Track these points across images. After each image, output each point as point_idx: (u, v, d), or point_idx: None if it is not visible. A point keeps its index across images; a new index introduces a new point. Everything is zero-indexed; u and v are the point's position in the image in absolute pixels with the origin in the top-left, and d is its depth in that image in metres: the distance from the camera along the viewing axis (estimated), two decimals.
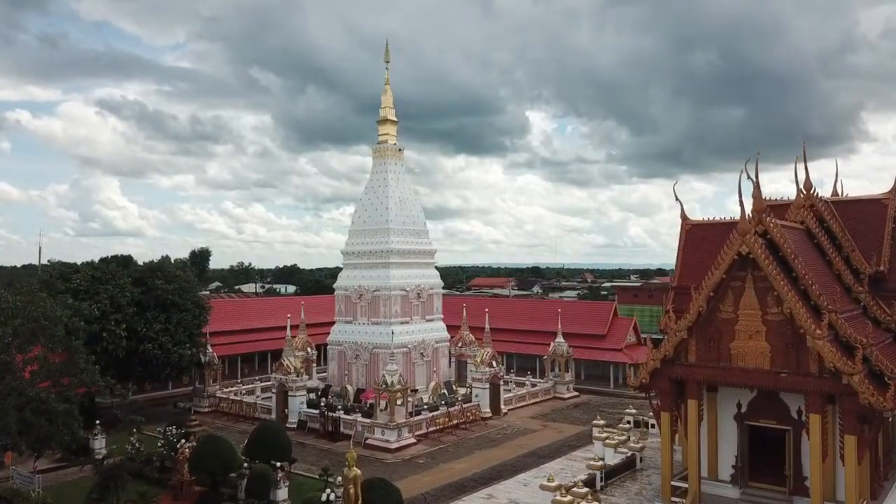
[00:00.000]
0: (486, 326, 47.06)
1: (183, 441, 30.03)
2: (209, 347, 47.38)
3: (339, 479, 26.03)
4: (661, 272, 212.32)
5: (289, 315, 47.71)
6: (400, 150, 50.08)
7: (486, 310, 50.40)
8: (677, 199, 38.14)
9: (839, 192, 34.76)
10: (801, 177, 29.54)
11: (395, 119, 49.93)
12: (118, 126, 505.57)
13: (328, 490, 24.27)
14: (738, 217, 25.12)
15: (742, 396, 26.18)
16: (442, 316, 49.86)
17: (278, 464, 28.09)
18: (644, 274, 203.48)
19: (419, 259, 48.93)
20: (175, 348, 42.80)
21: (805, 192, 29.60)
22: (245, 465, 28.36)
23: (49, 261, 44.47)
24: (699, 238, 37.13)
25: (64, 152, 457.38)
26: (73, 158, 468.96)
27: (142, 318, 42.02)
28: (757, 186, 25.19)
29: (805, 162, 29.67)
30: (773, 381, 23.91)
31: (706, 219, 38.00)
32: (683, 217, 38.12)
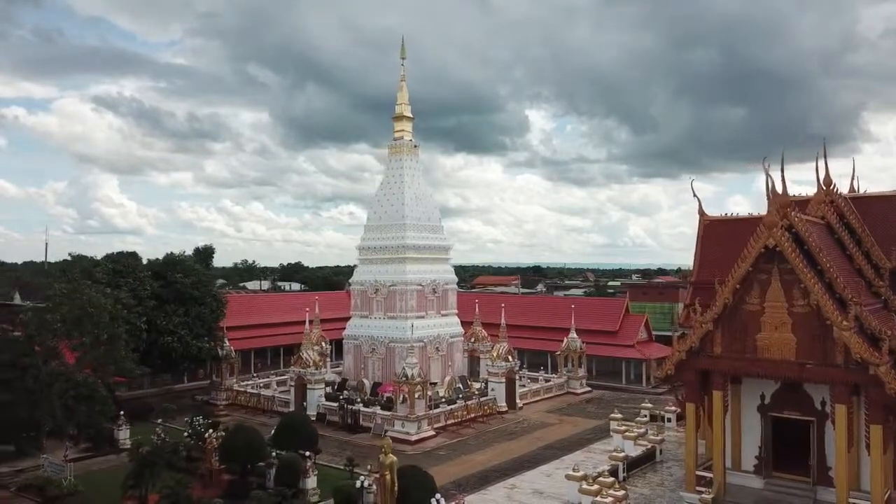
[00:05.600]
0: (502, 321, 47.46)
1: (210, 431, 30.37)
2: (226, 341, 47.71)
3: (370, 467, 26.58)
4: (662, 272, 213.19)
5: (307, 309, 48.13)
6: (415, 146, 50.49)
7: (503, 305, 50.88)
8: (695, 195, 38.66)
9: (856, 188, 35.25)
10: (815, 174, 29.99)
11: (410, 115, 50.32)
12: (115, 123, 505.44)
13: (362, 477, 24.64)
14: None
15: (765, 388, 26.58)
16: (456, 311, 50.27)
17: (307, 453, 28.49)
18: (646, 273, 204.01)
19: (434, 255, 49.33)
20: (194, 341, 43.25)
21: (825, 188, 30.03)
22: (273, 454, 28.77)
23: (70, 254, 44.89)
24: (717, 234, 37.58)
25: (61, 149, 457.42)
26: (71, 155, 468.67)
27: (161, 311, 42.42)
28: (782, 181, 25.59)
29: (825, 158, 29.98)
30: (799, 372, 24.30)
31: (724, 215, 38.50)
32: (701, 213, 38.57)
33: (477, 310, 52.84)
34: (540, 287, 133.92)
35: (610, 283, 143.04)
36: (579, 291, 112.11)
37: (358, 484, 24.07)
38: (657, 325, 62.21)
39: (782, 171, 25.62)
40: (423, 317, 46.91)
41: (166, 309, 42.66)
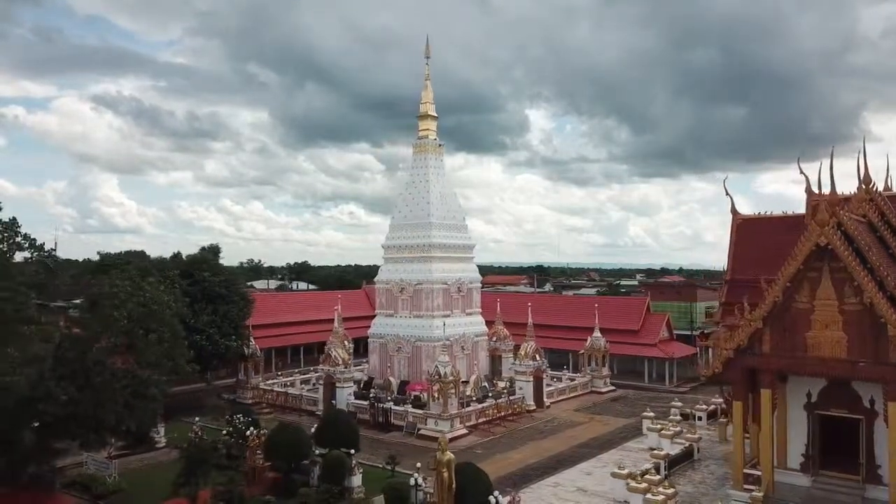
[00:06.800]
0: (529, 321, 47.48)
1: (252, 429, 30.34)
2: (252, 340, 47.69)
3: (419, 465, 26.59)
4: (666, 272, 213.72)
5: (336, 308, 48.12)
6: (440, 145, 50.49)
7: (529, 304, 50.81)
8: (727, 193, 38.84)
9: (890, 186, 35.30)
10: (857, 171, 30.04)
11: (435, 115, 50.29)
12: (114, 122, 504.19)
13: (415, 474, 24.64)
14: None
15: (812, 386, 26.59)
16: (480, 310, 50.32)
17: (352, 451, 28.48)
18: (649, 273, 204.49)
19: (459, 253, 49.37)
20: (222, 340, 43.17)
21: (865, 186, 30.09)
22: (316, 452, 28.75)
23: (99, 253, 44.94)
24: (750, 232, 37.77)
25: (61, 149, 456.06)
26: (70, 155, 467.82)
27: (190, 309, 42.27)
28: (831, 180, 25.61)
29: (865, 157, 30.06)
30: (851, 371, 24.35)
31: (757, 213, 38.61)
32: (734, 212, 38.74)
33: (499, 309, 52.83)
34: (548, 286, 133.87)
35: (623, 283, 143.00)
36: (591, 290, 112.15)
37: (412, 481, 24.06)
38: (677, 324, 62.18)
39: (831, 169, 25.57)
40: (448, 315, 46.90)
41: (195, 307, 42.58)
